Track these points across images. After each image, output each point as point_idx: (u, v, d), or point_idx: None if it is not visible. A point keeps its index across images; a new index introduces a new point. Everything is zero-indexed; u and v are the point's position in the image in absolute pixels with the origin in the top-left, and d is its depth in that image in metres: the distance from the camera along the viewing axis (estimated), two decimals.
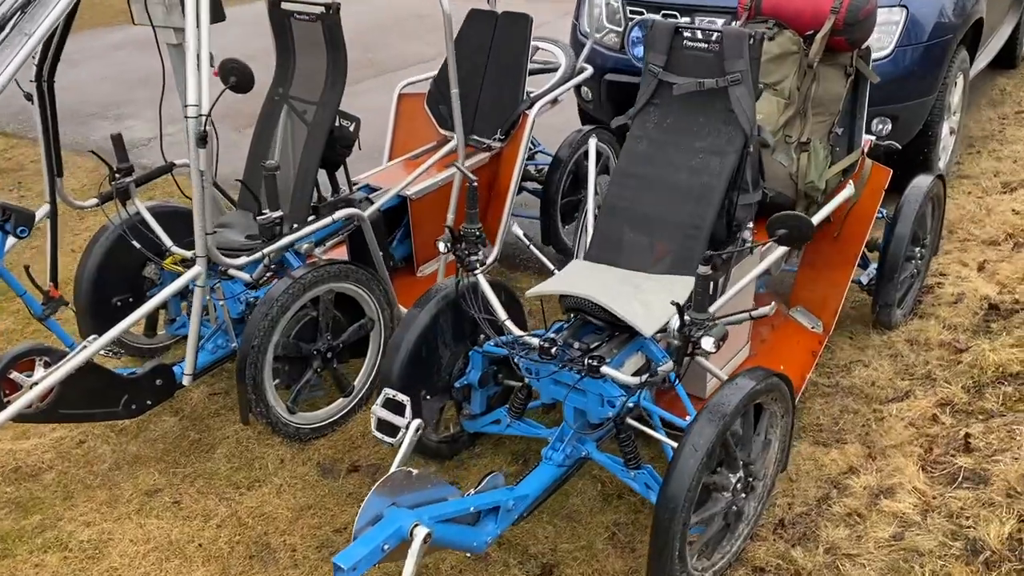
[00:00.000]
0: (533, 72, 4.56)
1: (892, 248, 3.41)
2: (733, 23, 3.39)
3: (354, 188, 3.88)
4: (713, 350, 2.23)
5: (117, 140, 3.29)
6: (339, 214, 3.19)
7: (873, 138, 3.76)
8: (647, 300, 2.60)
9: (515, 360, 2.67)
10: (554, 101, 4.44)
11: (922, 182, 3.51)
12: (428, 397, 2.81)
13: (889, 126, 4.48)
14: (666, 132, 2.87)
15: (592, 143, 3.32)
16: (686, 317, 2.25)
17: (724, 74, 2.70)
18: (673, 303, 2.24)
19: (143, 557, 2.69)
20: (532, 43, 4.64)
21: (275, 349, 2.95)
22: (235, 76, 2.50)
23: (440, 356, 2.82)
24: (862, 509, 2.65)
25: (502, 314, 2.70)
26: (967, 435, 2.81)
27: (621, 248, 2.86)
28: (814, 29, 3.20)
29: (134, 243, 3.21)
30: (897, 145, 3.75)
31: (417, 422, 2.26)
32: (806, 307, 3.53)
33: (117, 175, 3.30)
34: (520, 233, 3.04)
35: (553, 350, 2.55)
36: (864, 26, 3.18)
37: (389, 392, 2.37)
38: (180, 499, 2.92)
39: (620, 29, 4.90)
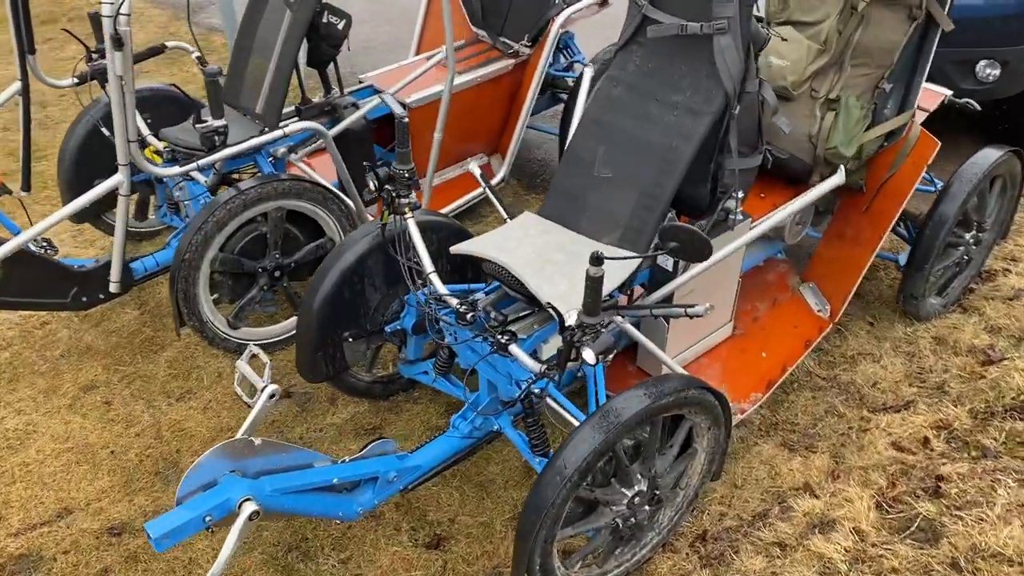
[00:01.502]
0: None
1: (928, 233, 2.89)
2: None
3: (353, 89, 3.64)
4: (592, 362, 1.93)
5: (94, 19, 3.15)
6: (293, 127, 2.96)
7: (948, 93, 3.16)
8: (578, 276, 2.29)
9: (435, 317, 2.45)
10: (603, 3, 3.96)
11: (984, 157, 2.92)
12: (351, 339, 2.63)
13: (998, 71, 3.78)
14: (646, 78, 2.45)
15: (587, 72, 2.92)
16: (570, 321, 1.95)
17: (711, 18, 2.24)
18: (549, 305, 1.93)
19: (56, 457, 2.71)
20: None
21: (212, 264, 2.83)
22: None
23: (368, 298, 2.62)
24: (792, 540, 2.34)
25: (428, 266, 2.45)
26: (939, 476, 2.40)
27: (577, 207, 2.52)
28: None
29: (103, 131, 3.11)
30: (976, 106, 3.14)
31: (272, 388, 2.10)
32: (819, 285, 3.09)
33: (94, 56, 3.17)
34: (477, 173, 2.74)
35: (469, 316, 2.31)
36: None
37: (254, 349, 2.21)
38: (112, 400, 2.92)
39: None
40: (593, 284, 1.88)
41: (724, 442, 2.33)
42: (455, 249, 2.43)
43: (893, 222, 2.85)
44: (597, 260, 1.84)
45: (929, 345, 3.03)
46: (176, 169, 2.77)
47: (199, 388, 2.96)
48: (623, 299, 2.56)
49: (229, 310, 2.99)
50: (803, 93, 2.71)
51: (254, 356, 2.20)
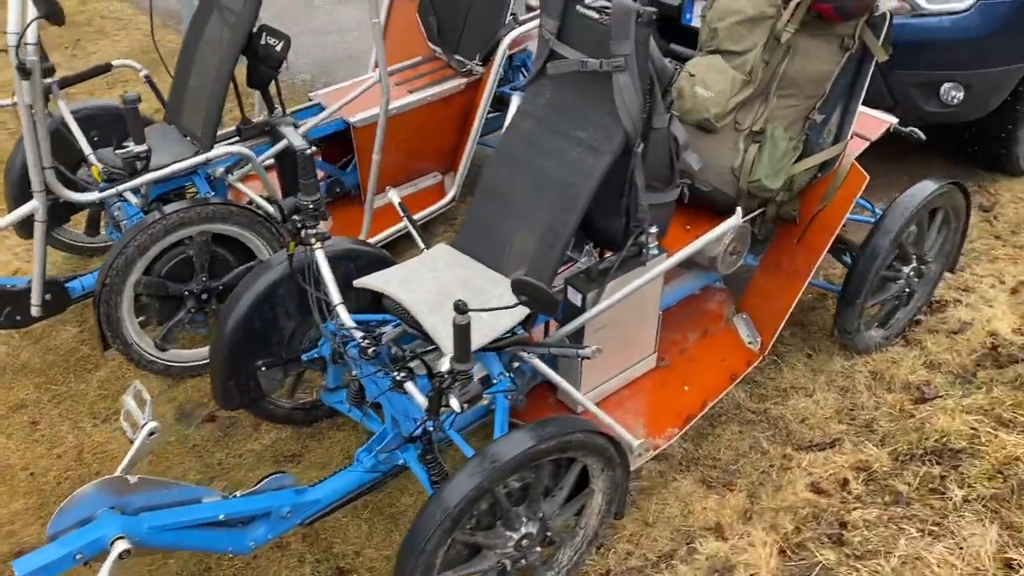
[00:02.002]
0: None
1: (859, 267, 2.83)
2: None
3: (302, 107, 3.64)
4: (457, 410, 1.91)
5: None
6: (218, 152, 2.96)
7: (894, 121, 3.10)
8: (475, 315, 2.26)
9: (341, 351, 2.44)
10: None
11: (920, 190, 2.85)
12: (264, 368, 2.63)
13: (962, 94, 3.69)
14: (553, 112, 2.42)
15: (515, 99, 2.88)
16: (440, 367, 1.93)
17: (609, 56, 2.20)
18: (415, 354, 1.92)
19: None
20: None
21: (136, 287, 2.84)
22: (46, 6, 2.28)
23: (282, 326, 2.61)
24: None
25: (335, 297, 2.44)
26: (843, 524, 2.35)
27: (489, 240, 2.50)
28: None
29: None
30: (920, 135, 3.07)
31: (152, 425, 2.10)
32: (752, 316, 3.04)
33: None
34: (396, 201, 2.72)
35: (371, 350, 2.30)
36: None
37: (138, 385, 2.21)
38: (39, 420, 2.95)
39: None
40: (460, 332, 1.86)
41: (623, 482, 2.29)
42: (358, 283, 2.42)
43: (822, 256, 2.79)
44: (460, 309, 1.82)
45: (865, 380, 2.97)
46: (92, 195, 2.79)
47: None
48: (534, 335, 2.54)
49: (159, 331, 3.00)
50: (727, 125, 2.65)
51: (139, 392, 2.19)
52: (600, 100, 2.28)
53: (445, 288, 2.36)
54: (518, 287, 1.90)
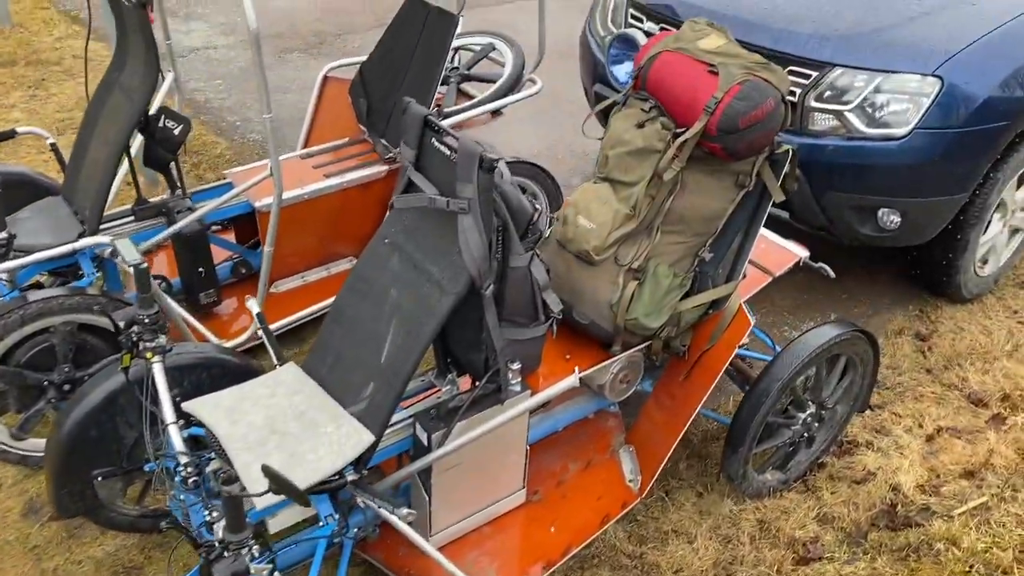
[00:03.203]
0: (473, 78, 3.96)
1: (742, 413, 2.67)
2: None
3: (213, 186, 3.55)
4: None
5: None
6: (83, 243, 2.84)
7: (804, 255, 2.97)
8: (301, 453, 2.13)
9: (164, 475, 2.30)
10: (496, 113, 3.84)
11: (814, 337, 2.69)
12: (101, 478, 2.49)
13: (898, 219, 3.55)
14: (410, 241, 2.30)
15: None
16: (215, 532, 1.79)
17: (455, 195, 2.08)
18: (172, 523, 1.78)
19: None
20: (490, 40, 4.04)
21: None
22: None
23: (122, 435, 2.48)
24: None
25: (168, 415, 2.31)
26: None
27: (335, 367, 2.36)
28: (687, 127, 2.45)
29: None
30: (829, 272, 2.93)
31: None
32: (638, 450, 2.87)
33: None
34: (256, 310, 2.59)
35: (190, 480, 2.17)
36: (746, 137, 2.38)
37: None
38: None
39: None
40: (230, 504, 1.72)
41: None
42: (186, 407, 2.29)
43: (703, 400, 2.63)
44: (228, 479, 1.69)
45: (750, 529, 2.79)
46: None
47: None
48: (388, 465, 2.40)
49: (17, 420, 2.88)
50: (607, 259, 2.52)
51: None
52: (451, 237, 2.16)
53: (275, 420, 2.23)
54: (266, 474, 1.77)
